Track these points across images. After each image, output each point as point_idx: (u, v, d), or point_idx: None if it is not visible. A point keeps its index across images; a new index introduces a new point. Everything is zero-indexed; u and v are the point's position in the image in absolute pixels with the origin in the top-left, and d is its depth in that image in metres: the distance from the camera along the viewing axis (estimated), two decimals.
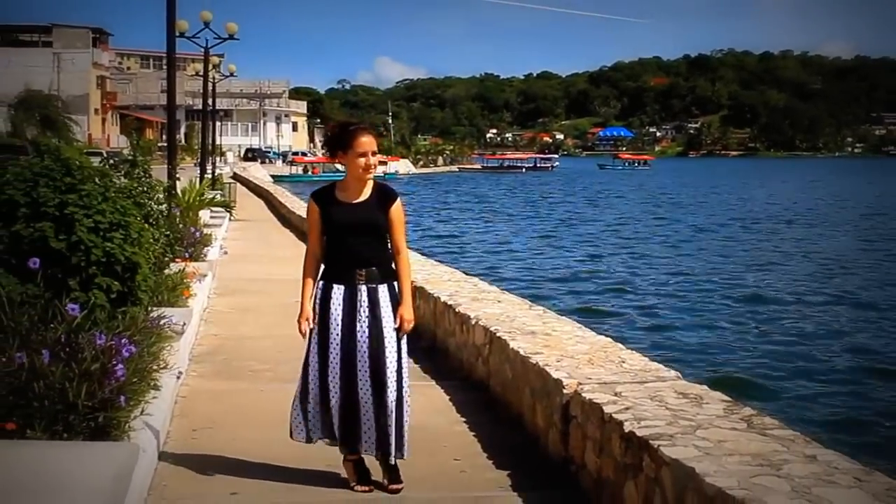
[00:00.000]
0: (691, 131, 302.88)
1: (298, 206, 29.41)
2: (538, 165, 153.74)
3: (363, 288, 5.42)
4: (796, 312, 22.81)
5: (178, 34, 24.19)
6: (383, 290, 5.46)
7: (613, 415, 5.07)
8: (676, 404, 5.23)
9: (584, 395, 5.59)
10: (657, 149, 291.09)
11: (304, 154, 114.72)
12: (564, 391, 5.87)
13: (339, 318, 5.41)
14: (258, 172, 75.16)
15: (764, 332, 20.35)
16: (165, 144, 24.12)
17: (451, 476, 5.78)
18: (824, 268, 31.87)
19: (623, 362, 6.47)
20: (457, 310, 8.91)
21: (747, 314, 22.51)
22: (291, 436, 5.62)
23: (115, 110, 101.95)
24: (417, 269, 11.20)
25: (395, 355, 5.42)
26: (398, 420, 5.42)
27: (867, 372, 16.26)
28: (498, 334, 7.55)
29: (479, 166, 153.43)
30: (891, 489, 3.79)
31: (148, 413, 5.57)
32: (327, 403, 5.44)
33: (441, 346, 9.38)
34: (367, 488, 5.43)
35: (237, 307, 12.43)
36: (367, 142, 5.45)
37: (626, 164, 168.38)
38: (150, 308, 6.76)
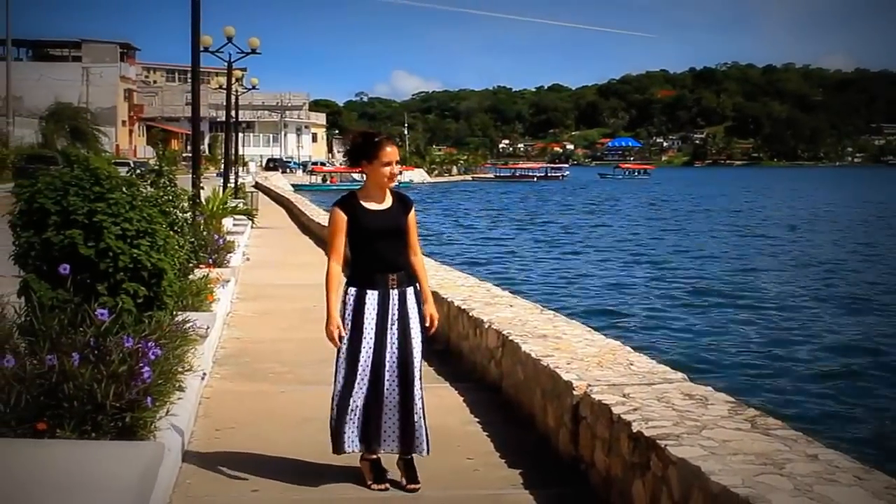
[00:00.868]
0: (697, 141, 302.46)
1: (318, 214, 29.45)
2: (549, 175, 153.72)
3: (395, 292, 5.44)
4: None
5: (202, 49, 24.27)
6: (410, 293, 5.51)
7: (622, 415, 5.06)
8: (683, 405, 5.22)
9: (593, 396, 5.58)
10: (664, 158, 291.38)
11: (322, 164, 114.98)
12: (574, 392, 5.87)
13: (373, 322, 5.42)
14: (279, 182, 75.29)
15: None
16: (190, 155, 24.18)
17: (465, 474, 5.78)
18: (821, 270, 32.06)
19: (631, 364, 6.46)
20: (470, 314, 8.91)
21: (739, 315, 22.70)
22: (341, 451, 5.49)
23: (141, 122, 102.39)
24: (431, 273, 11.19)
25: (420, 356, 5.47)
26: (423, 418, 5.46)
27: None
28: (510, 337, 7.55)
29: (491, 176, 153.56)
30: (890, 487, 3.78)
31: (173, 413, 5.58)
32: (348, 407, 5.42)
33: (455, 349, 9.38)
34: (383, 486, 5.43)
35: (259, 311, 12.45)
36: (391, 152, 5.49)
37: (626, 173, 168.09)
38: (175, 312, 6.77)
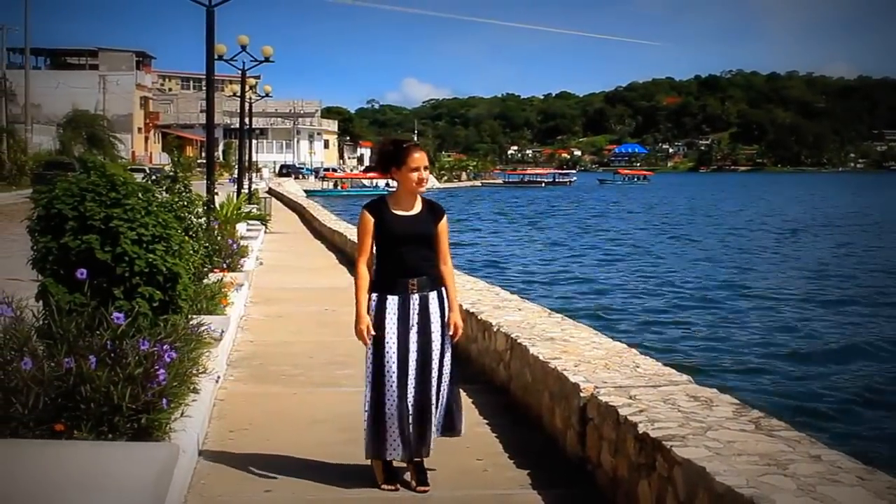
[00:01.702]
0: (702, 148, 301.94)
1: (330, 219, 29.50)
2: (557, 180, 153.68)
3: (415, 297, 5.44)
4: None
5: (216, 57, 24.35)
6: (433, 297, 5.49)
7: (628, 417, 5.06)
8: (688, 407, 5.22)
9: (600, 398, 5.58)
10: (670, 164, 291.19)
11: (334, 170, 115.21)
12: (582, 394, 5.86)
13: (395, 326, 5.41)
14: (292, 187, 75.34)
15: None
16: (205, 161, 24.22)
17: (474, 475, 5.78)
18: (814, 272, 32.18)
19: (637, 367, 6.46)
20: (479, 317, 8.91)
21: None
22: (368, 455, 5.49)
23: (157, 129, 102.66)
24: None
25: (439, 358, 5.45)
26: (447, 411, 5.50)
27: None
28: (518, 340, 7.54)
29: (500, 181, 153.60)
30: (892, 487, 3.77)
31: (188, 415, 5.59)
32: (383, 413, 5.39)
33: (463, 351, 9.37)
34: (393, 487, 5.43)
35: (272, 315, 12.46)
36: (419, 157, 5.50)
37: (625, 179, 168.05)
38: (190, 316, 6.78)
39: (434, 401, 5.42)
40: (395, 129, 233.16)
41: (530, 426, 6.85)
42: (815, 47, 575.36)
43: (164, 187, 11.44)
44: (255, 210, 27.70)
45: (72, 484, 3.97)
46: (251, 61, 35.02)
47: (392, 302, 5.43)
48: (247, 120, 43.18)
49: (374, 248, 5.54)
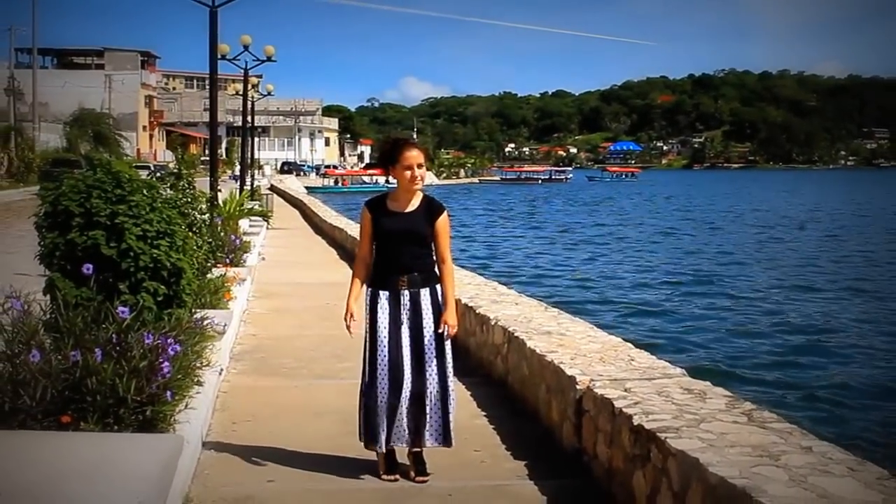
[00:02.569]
0: (696, 145, 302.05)
1: (330, 215, 29.49)
2: (553, 177, 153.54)
3: (406, 293, 5.43)
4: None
5: (219, 56, 24.26)
6: (425, 294, 5.46)
7: (623, 409, 5.06)
8: (682, 399, 5.22)
9: (595, 390, 5.58)
10: (664, 162, 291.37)
11: (335, 167, 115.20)
12: (578, 387, 5.86)
13: (386, 321, 5.42)
14: (293, 184, 75.34)
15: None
16: (208, 158, 24.20)
17: (472, 466, 5.78)
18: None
19: (632, 360, 6.45)
20: (477, 311, 8.90)
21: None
22: (366, 444, 5.53)
23: (161, 127, 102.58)
24: None
25: (435, 353, 5.43)
26: (444, 414, 5.45)
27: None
28: (516, 334, 7.54)
29: (498, 178, 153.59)
30: (882, 478, 3.77)
31: (192, 407, 5.58)
32: (376, 403, 5.42)
33: (462, 345, 9.37)
34: (393, 477, 5.43)
35: (274, 309, 12.47)
36: (412, 155, 5.47)
37: (614, 176, 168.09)
38: (193, 310, 6.77)
39: (430, 394, 5.41)
40: (394, 127, 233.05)
41: (527, 418, 6.85)
42: (806, 47, 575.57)
43: (169, 184, 11.43)
44: (257, 206, 27.67)
45: (78, 474, 3.97)
46: (253, 61, 34.93)
47: (384, 297, 5.45)
48: (249, 118, 43.12)
49: (374, 243, 5.54)
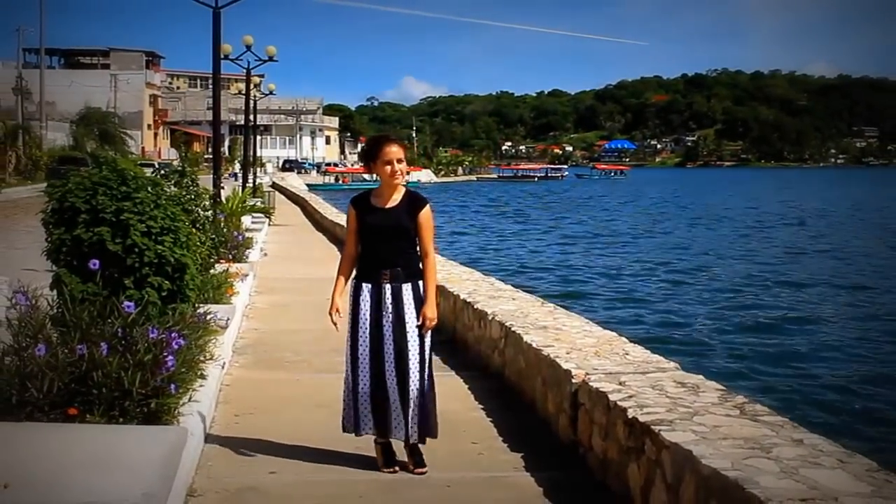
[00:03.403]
0: (689, 144, 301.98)
1: (331, 212, 29.45)
2: (549, 175, 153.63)
3: (388, 286, 5.41)
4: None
5: (222, 57, 24.24)
6: (407, 289, 5.43)
7: (618, 402, 5.06)
8: (675, 393, 5.21)
9: (591, 384, 5.58)
10: (658, 160, 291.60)
11: (335, 165, 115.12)
12: (573, 381, 5.86)
13: (368, 314, 5.42)
14: (295, 182, 75.28)
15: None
16: (211, 156, 24.19)
17: (470, 458, 5.78)
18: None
19: (627, 354, 6.45)
20: (475, 306, 8.90)
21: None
22: (344, 429, 5.58)
23: (165, 125, 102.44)
24: (438, 269, 11.19)
25: (418, 348, 5.40)
26: (422, 407, 5.41)
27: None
28: (513, 329, 7.54)
29: (495, 176, 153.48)
30: (871, 469, 3.77)
31: (195, 400, 5.59)
32: (356, 392, 5.44)
33: (460, 339, 9.38)
34: (392, 469, 5.43)
35: (276, 304, 12.45)
36: (391, 151, 5.44)
37: (602, 173, 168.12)
38: (197, 305, 6.78)
39: (412, 388, 5.37)
40: (393, 126, 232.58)
41: (524, 411, 6.85)
42: (797, 47, 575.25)
43: (173, 181, 11.43)
44: (259, 203, 27.68)
45: (85, 465, 3.97)
46: (256, 60, 34.87)
47: (366, 289, 5.44)
48: (251, 117, 43.09)
49: (359, 238, 5.54)
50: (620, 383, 5.49)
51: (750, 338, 18.10)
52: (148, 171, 8.33)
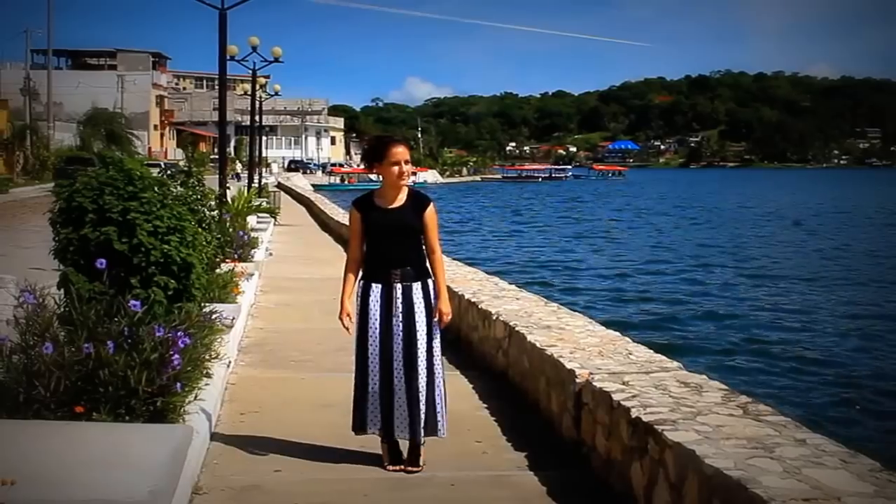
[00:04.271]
0: (692, 144, 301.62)
1: (337, 212, 29.47)
2: (553, 176, 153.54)
3: (398, 286, 5.41)
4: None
5: (228, 58, 24.26)
6: (417, 288, 5.44)
7: (621, 402, 5.05)
8: (678, 392, 5.21)
9: (594, 383, 5.57)
10: (661, 160, 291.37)
11: (341, 165, 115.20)
12: (577, 380, 5.86)
13: (378, 314, 5.41)
14: (300, 182, 75.27)
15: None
16: (217, 157, 24.20)
17: (474, 456, 5.78)
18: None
19: (630, 354, 6.45)
20: (479, 306, 8.90)
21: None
22: (353, 429, 5.56)
23: (172, 126, 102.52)
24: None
25: (426, 347, 5.41)
26: (430, 406, 5.42)
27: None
28: (517, 328, 7.53)
29: (499, 176, 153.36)
30: (874, 470, 3.77)
31: (201, 398, 5.59)
32: (366, 392, 5.43)
33: (465, 339, 9.38)
34: (398, 468, 5.43)
35: (281, 303, 12.46)
36: (399, 152, 5.45)
37: (600, 174, 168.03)
38: (203, 304, 6.77)
39: (421, 388, 5.38)
40: (398, 126, 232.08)
41: (528, 410, 6.84)
42: (800, 49, 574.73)
43: (179, 181, 11.42)
44: (264, 203, 27.68)
45: (91, 462, 3.98)
46: (261, 61, 34.98)
47: (376, 289, 5.43)
48: (257, 117, 43.12)
49: (365, 239, 5.52)
50: (624, 383, 5.49)
51: (750, 337, 18.15)
52: (154, 172, 8.33)
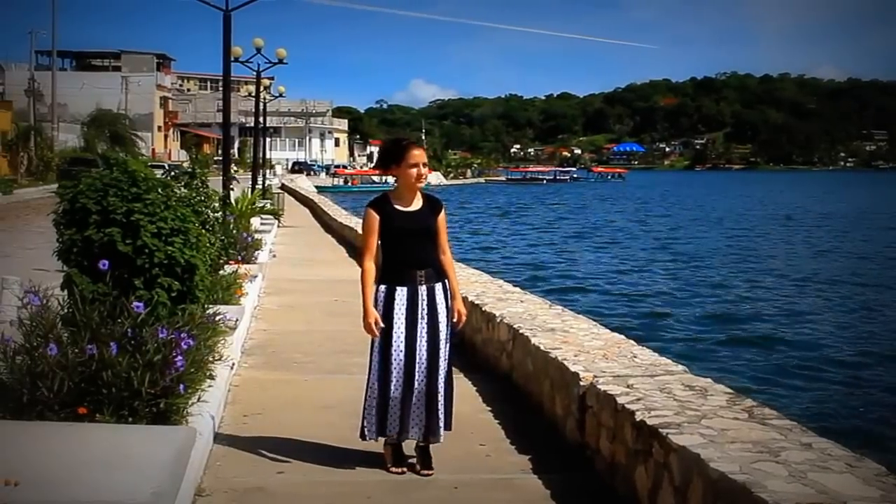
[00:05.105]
0: (697, 147, 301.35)
1: (340, 214, 29.46)
2: (558, 178, 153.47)
3: (423, 287, 5.43)
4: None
5: (233, 59, 24.26)
6: (439, 288, 5.49)
7: (626, 405, 5.05)
8: (683, 396, 5.20)
9: (599, 386, 5.57)
10: (666, 163, 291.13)
11: (345, 167, 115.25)
12: (581, 383, 5.85)
13: (403, 317, 5.40)
14: (304, 184, 75.29)
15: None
16: (221, 158, 24.22)
17: (477, 459, 5.78)
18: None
19: (635, 357, 6.44)
20: (483, 309, 8.89)
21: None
22: (362, 436, 5.53)
23: (176, 127, 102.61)
24: None
25: (448, 347, 5.48)
26: (447, 405, 5.47)
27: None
28: (521, 331, 7.53)
29: (504, 178, 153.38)
30: (880, 474, 3.76)
31: (204, 400, 5.59)
32: (387, 397, 5.42)
33: (469, 341, 9.36)
34: (401, 469, 5.43)
35: (284, 305, 12.47)
36: (417, 154, 5.49)
37: (598, 176, 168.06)
38: (206, 305, 6.78)
39: (440, 389, 5.42)
40: (403, 128, 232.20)
41: (531, 413, 6.84)
42: (806, 51, 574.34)
43: (183, 183, 11.43)
44: (268, 205, 27.68)
45: (94, 464, 3.98)
46: (266, 63, 34.91)
47: (401, 293, 5.42)
48: (261, 119, 43.14)
49: (381, 242, 5.52)
50: (628, 386, 5.49)
51: (752, 338, 18.17)
52: (158, 173, 8.34)
